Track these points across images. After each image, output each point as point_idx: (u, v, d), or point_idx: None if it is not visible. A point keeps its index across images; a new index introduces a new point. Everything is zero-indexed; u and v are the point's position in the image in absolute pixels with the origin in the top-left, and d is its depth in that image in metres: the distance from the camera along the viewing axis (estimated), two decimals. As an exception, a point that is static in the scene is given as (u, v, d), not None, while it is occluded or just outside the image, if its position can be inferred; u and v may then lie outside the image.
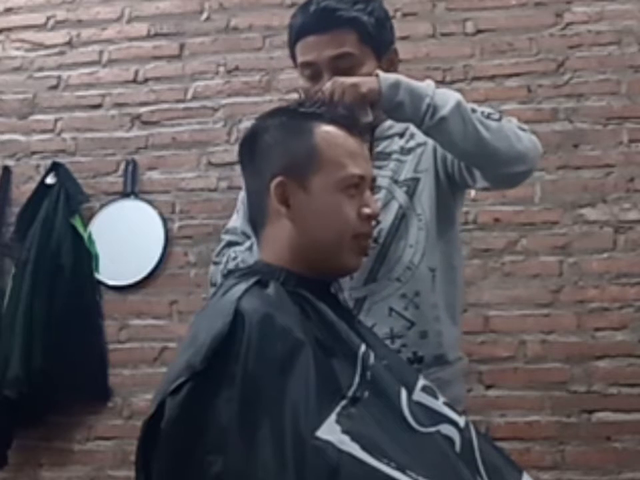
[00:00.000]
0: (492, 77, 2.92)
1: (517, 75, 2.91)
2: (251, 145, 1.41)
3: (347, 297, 1.58)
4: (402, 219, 1.60)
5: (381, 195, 1.61)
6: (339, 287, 1.56)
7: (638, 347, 2.70)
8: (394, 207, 1.61)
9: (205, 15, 3.19)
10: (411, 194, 1.61)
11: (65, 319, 2.96)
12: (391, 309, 1.58)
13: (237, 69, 3.13)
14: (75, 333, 2.96)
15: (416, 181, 1.62)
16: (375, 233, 1.57)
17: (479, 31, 2.96)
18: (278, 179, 1.33)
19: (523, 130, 1.53)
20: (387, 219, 1.60)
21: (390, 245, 1.59)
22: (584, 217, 2.80)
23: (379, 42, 1.62)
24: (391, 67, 1.65)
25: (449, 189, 1.63)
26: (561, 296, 2.77)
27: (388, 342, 1.55)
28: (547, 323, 2.76)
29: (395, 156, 1.64)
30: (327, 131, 1.36)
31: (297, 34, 1.63)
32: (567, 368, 2.72)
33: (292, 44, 1.65)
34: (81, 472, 3.00)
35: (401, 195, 1.61)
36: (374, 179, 1.45)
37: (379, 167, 1.62)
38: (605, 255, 2.77)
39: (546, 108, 2.86)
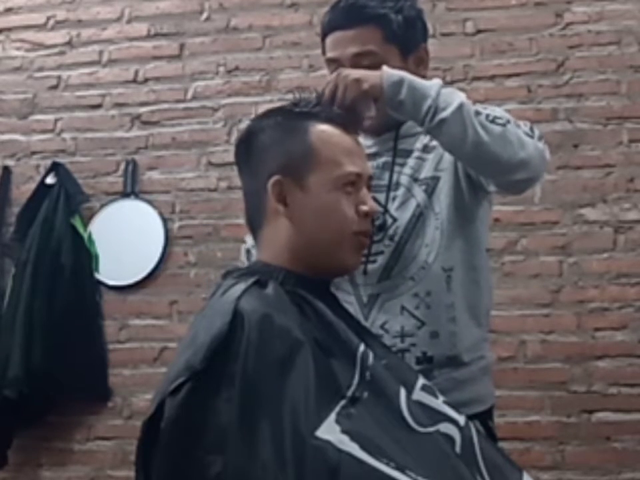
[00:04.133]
0: (492, 77, 2.92)
1: (517, 75, 2.91)
2: (247, 146, 1.42)
3: (360, 293, 1.58)
4: (419, 217, 1.59)
5: (400, 192, 1.60)
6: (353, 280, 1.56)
7: (638, 347, 2.70)
8: (412, 205, 1.59)
9: (205, 15, 3.19)
10: (430, 193, 1.59)
11: (65, 319, 2.96)
12: (403, 307, 1.56)
13: (237, 68, 3.13)
14: (75, 333, 2.96)
15: (436, 179, 1.60)
16: (391, 231, 1.58)
17: (479, 31, 2.96)
18: (275, 178, 1.34)
19: (530, 136, 1.50)
20: (404, 217, 1.59)
21: (406, 243, 1.58)
22: (584, 217, 2.79)
23: (405, 41, 1.61)
24: (420, 65, 1.64)
25: (469, 188, 1.60)
26: (560, 296, 2.77)
27: (398, 340, 1.55)
28: (547, 323, 2.76)
29: (416, 153, 1.62)
30: (322, 129, 1.37)
31: (325, 29, 1.64)
32: (566, 368, 2.72)
33: (322, 39, 1.65)
34: (81, 472, 3.00)
35: (419, 193, 1.60)
36: (371, 177, 1.45)
37: (401, 164, 1.61)
38: (605, 255, 2.77)
39: (546, 108, 2.86)
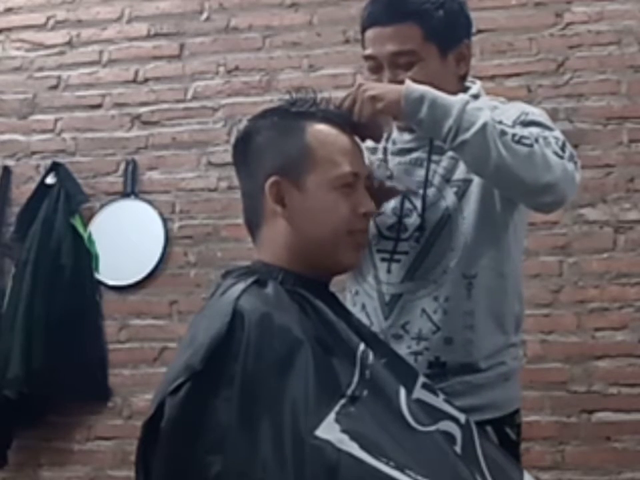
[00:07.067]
0: (492, 77, 2.91)
1: (517, 75, 2.90)
2: (244, 147, 1.42)
3: (383, 291, 1.57)
4: (447, 221, 1.55)
5: (431, 192, 1.56)
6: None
7: (638, 347, 2.70)
8: (441, 208, 1.55)
9: (205, 15, 3.18)
10: (460, 196, 1.55)
11: (65, 319, 2.96)
12: (423, 310, 1.54)
13: (236, 68, 3.13)
14: (75, 333, 2.96)
15: (468, 182, 1.55)
16: (417, 232, 1.55)
17: (479, 31, 2.94)
18: (272, 179, 1.34)
19: (560, 156, 1.44)
20: (432, 219, 1.55)
21: (432, 246, 1.55)
22: (584, 216, 2.79)
23: (445, 38, 1.55)
24: (460, 62, 1.59)
25: (501, 194, 1.55)
26: (560, 296, 2.77)
27: (414, 342, 1.53)
28: (547, 323, 2.75)
29: (450, 153, 1.55)
30: (318, 129, 1.37)
31: (364, 23, 1.59)
32: (566, 368, 2.72)
33: (361, 32, 1.61)
34: (81, 472, 3.00)
35: (450, 195, 1.55)
36: (369, 176, 1.44)
37: (436, 162, 1.57)
38: (605, 255, 2.76)
39: (546, 108, 2.82)
